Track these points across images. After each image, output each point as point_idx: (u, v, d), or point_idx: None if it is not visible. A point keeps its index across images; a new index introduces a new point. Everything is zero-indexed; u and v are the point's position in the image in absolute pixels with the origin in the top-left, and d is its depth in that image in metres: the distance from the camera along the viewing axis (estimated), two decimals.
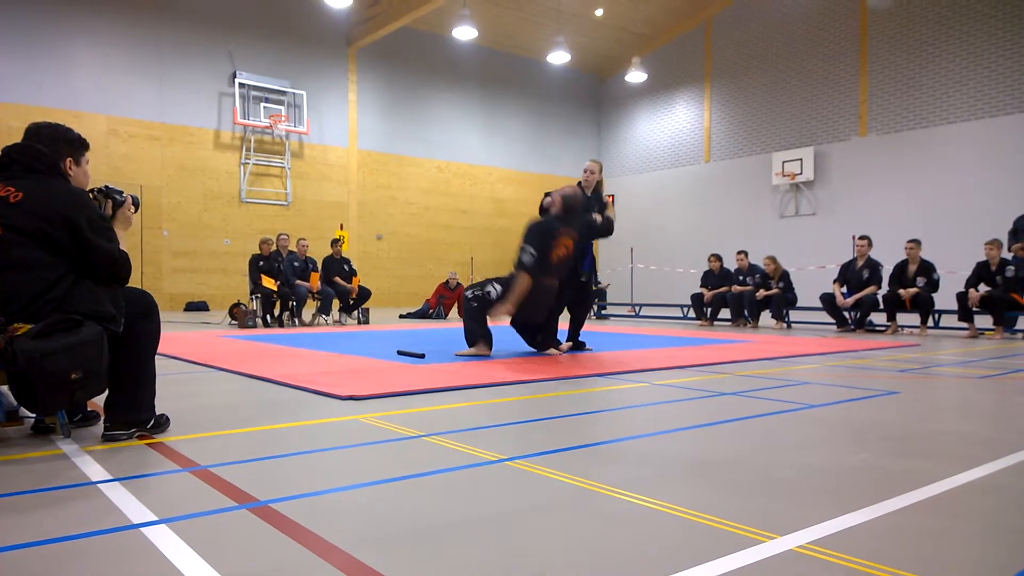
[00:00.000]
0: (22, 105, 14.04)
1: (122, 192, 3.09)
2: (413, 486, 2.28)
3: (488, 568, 1.62)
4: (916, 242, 10.07)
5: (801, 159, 18.43)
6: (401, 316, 13.82)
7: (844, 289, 10.46)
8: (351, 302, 11.75)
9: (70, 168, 2.93)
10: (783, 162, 18.79)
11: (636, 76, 20.33)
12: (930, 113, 16.41)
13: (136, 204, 3.17)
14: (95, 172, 13.99)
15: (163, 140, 15.93)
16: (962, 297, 9.29)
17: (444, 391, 4.21)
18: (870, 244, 10.52)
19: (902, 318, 10.23)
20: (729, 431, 3.16)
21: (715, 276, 12.31)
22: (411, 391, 4.14)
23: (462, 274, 19.21)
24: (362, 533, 1.83)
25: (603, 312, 14.81)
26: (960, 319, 9.43)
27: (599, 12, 20.12)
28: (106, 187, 3.07)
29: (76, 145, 2.98)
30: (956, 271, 11.80)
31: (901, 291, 9.85)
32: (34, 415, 3.00)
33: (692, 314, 12.79)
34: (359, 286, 11.83)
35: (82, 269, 2.75)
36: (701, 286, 12.42)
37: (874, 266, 10.32)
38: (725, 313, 12.42)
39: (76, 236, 2.69)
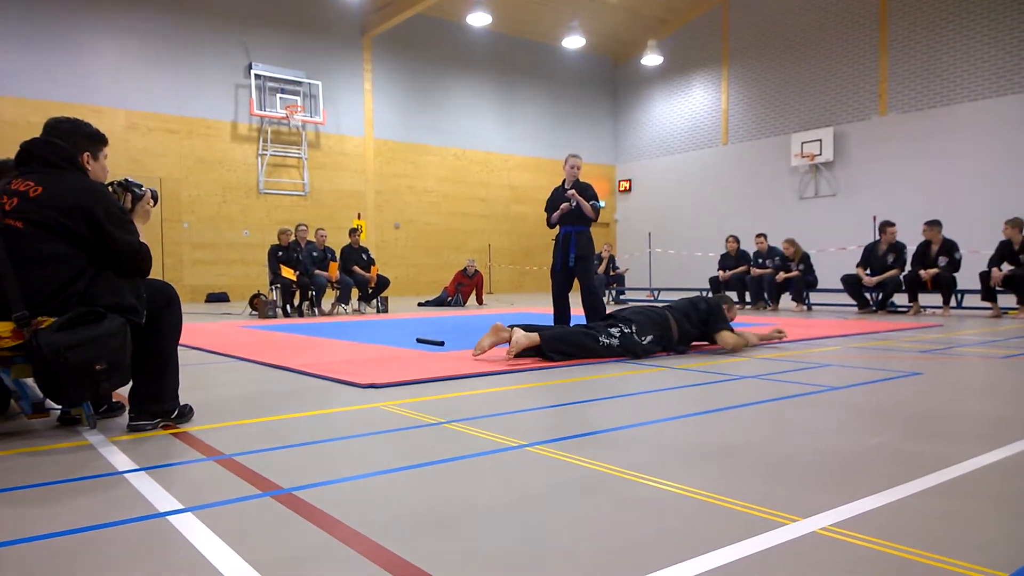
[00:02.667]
0: (42, 100, 14.16)
1: (141, 185, 3.12)
2: (435, 472, 2.29)
3: (511, 553, 1.62)
4: (931, 225, 9.91)
5: (820, 140, 18.22)
6: (420, 304, 13.86)
7: (868, 272, 10.37)
8: (370, 291, 11.79)
9: (88, 162, 2.96)
10: (802, 143, 18.59)
11: (652, 59, 20.18)
12: (951, 91, 16.16)
13: (155, 197, 3.19)
14: (115, 166, 14.13)
15: (181, 133, 16.03)
16: (985, 277, 9.18)
17: (463, 378, 4.23)
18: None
19: (925, 299, 10.12)
20: (750, 414, 3.14)
21: (732, 258, 12.24)
22: (431, 378, 4.15)
23: (480, 261, 19.22)
24: (385, 519, 1.85)
25: (621, 297, 14.77)
26: (983, 299, 9.32)
27: None
28: (126, 180, 3.09)
29: (94, 139, 3.01)
30: (979, 250, 11.64)
31: (922, 272, 9.74)
32: (60, 407, 3.05)
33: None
34: (377, 275, 11.86)
35: (103, 262, 2.78)
36: (718, 268, 12.36)
37: (899, 249, 10.21)
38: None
39: (96, 229, 2.71)
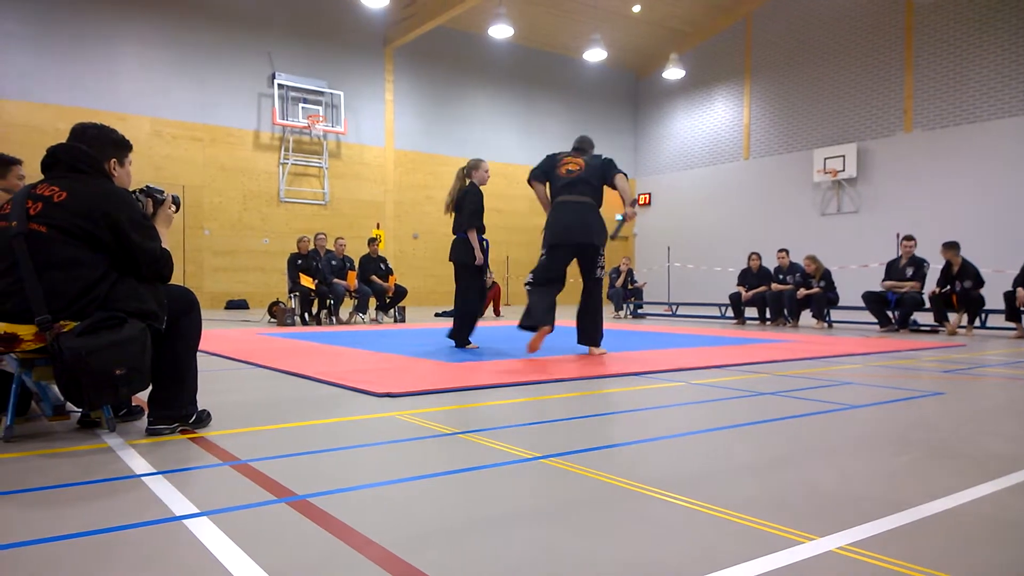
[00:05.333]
0: (69, 107, 14.39)
1: (163, 191, 3.15)
2: (449, 482, 2.29)
3: (524, 565, 1.61)
4: (947, 247, 9.78)
5: (844, 156, 18.11)
6: (437, 315, 13.87)
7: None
8: (387, 301, 11.83)
9: (114, 169, 2.99)
10: (825, 159, 18.49)
11: (674, 73, 20.14)
12: (977, 108, 16.02)
13: (177, 203, 3.22)
14: (139, 173, 14.28)
15: (204, 141, 16.21)
16: (1009, 296, 9.05)
17: (479, 389, 4.22)
18: (915, 244, 10.34)
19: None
20: (768, 431, 3.12)
21: (753, 275, 12.14)
22: (446, 388, 4.15)
23: (497, 273, 19.23)
24: (399, 528, 1.84)
25: (639, 311, 14.72)
26: (1007, 319, 9.19)
27: (636, 9, 19.99)
28: (147, 187, 3.13)
29: (120, 146, 3.04)
30: (1004, 270, 11.51)
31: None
32: (80, 410, 3.07)
33: (730, 313, 12.65)
34: (395, 285, 11.90)
35: (125, 267, 2.80)
36: (738, 285, 12.26)
37: (918, 263, 10.10)
38: (751, 312, 12.28)
39: (118, 235, 2.74)
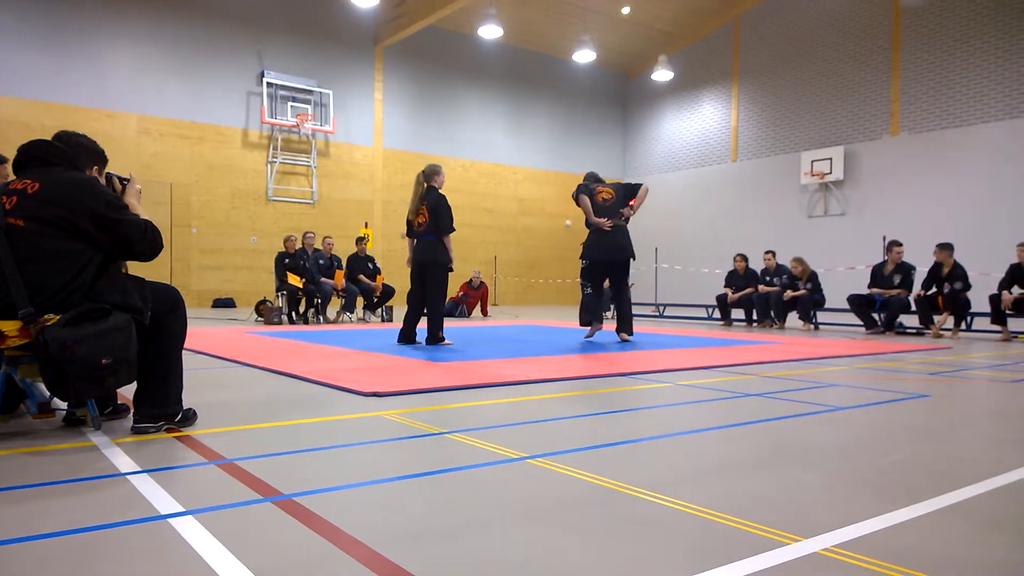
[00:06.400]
0: (57, 104, 14.26)
1: (127, 178, 3.16)
2: (436, 482, 2.29)
3: (510, 565, 1.62)
4: (941, 248, 9.83)
5: (831, 158, 18.22)
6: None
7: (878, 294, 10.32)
8: (375, 300, 11.80)
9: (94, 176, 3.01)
10: (812, 161, 18.59)
11: (662, 75, 20.21)
12: (964, 112, 16.15)
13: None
14: (127, 170, 14.17)
15: (192, 139, 16.12)
16: (995, 299, 9.13)
17: (467, 388, 4.22)
18: (903, 251, 10.39)
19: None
20: (754, 432, 3.13)
21: (739, 276, 12.19)
22: (434, 388, 4.15)
23: (485, 273, 19.22)
24: (385, 528, 1.84)
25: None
26: (993, 322, 9.27)
27: (625, 10, 20.04)
28: (108, 173, 3.14)
29: (100, 157, 3.11)
30: (989, 273, 11.60)
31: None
32: (65, 407, 3.05)
33: (717, 315, 12.69)
34: (383, 284, 11.88)
35: (117, 252, 2.80)
36: (725, 286, 12.31)
37: (906, 270, 10.15)
38: (738, 314, 12.30)
39: (100, 223, 2.74)
